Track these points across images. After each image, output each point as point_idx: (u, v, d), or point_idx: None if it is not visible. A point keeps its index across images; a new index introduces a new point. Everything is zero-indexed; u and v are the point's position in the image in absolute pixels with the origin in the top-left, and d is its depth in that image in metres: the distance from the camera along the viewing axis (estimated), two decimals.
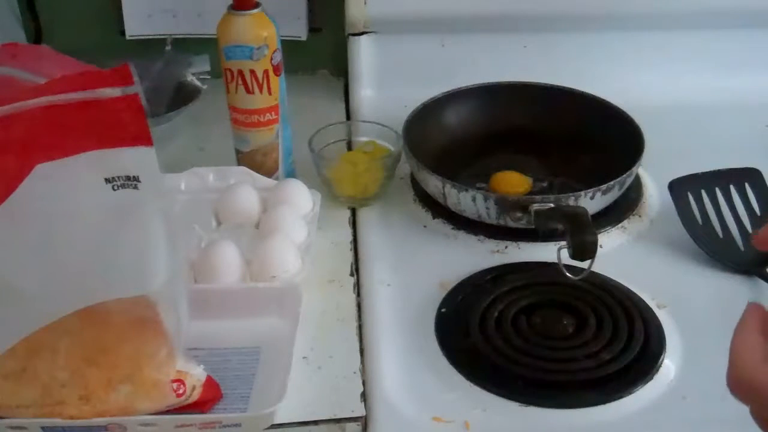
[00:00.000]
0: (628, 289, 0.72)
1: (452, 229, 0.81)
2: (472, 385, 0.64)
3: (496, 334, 0.67)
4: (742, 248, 0.77)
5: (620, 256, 0.78)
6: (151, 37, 1.08)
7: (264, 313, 0.69)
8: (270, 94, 0.80)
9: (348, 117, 1.04)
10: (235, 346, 0.67)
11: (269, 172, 0.85)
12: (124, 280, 0.54)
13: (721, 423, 0.60)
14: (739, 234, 0.78)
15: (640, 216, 0.83)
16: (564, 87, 0.93)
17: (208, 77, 1.03)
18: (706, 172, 0.82)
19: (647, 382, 0.63)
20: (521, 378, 0.63)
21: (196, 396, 0.59)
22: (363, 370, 0.66)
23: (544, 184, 0.88)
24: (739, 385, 0.42)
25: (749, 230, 0.78)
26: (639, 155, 0.80)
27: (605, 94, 0.91)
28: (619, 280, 0.73)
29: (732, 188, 0.80)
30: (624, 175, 0.78)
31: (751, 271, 0.75)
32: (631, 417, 0.61)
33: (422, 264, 0.77)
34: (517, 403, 0.62)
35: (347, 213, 0.85)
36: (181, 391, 0.58)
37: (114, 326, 0.57)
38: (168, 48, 1.06)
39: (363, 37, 1.04)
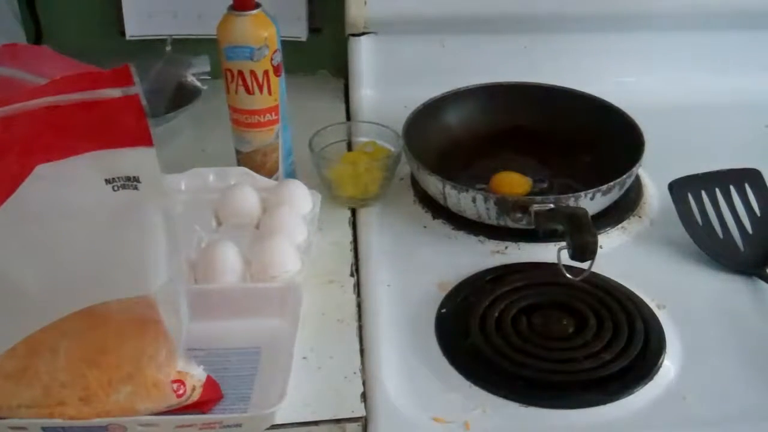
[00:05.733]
0: (628, 290, 0.72)
1: (452, 229, 0.81)
2: (472, 385, 0.64)
3: (496, 334, 0.67)
4: (742, 249, 0.77)
5: (620, 256, 0.78)
6: (151, 37, 1.08)
7: (264, 313, 0.69)
8: (270, 94, 0.80)
9: (348, 117, 1.04)
10: (235, 346, 0.67)
11: (269, 173, 0.85)
12: (124, 280, 0.54)
13: (721, 423, 0.61)
14: (739, 234, 0.78)
15: (640, 216, 0.83)
16: (564, 87, 0.93)
17: (208, 78, 1.03)
18: (706, 173, 0.82)
19: (647, 382, 0.63)
20: (521, 378, 0.63)
21: (196, 396, 0.59)
22: (363, 371, 0.66)
23: (544, 185, 0.88)
24: None
25: (749, 231, 0.78)
26: (639, 156, 0.81)
27: (605, 94, 0.91)
28: (619, 281, 0.73)
29: (732, 189, 0.80)
30: (624, 176, 0.78)
31: (751, 271, 0.75)
32: (631, 417, 0.61)
33: (422, 264, 0.77)
34: (517, 404, 0.62)
35: (347, 213, 0.85)
36: (181, 392, 0.58)
37: (114, 327, 0.57)
38: (168, 48, 1.06)
39: (363, 38, 1.04)
